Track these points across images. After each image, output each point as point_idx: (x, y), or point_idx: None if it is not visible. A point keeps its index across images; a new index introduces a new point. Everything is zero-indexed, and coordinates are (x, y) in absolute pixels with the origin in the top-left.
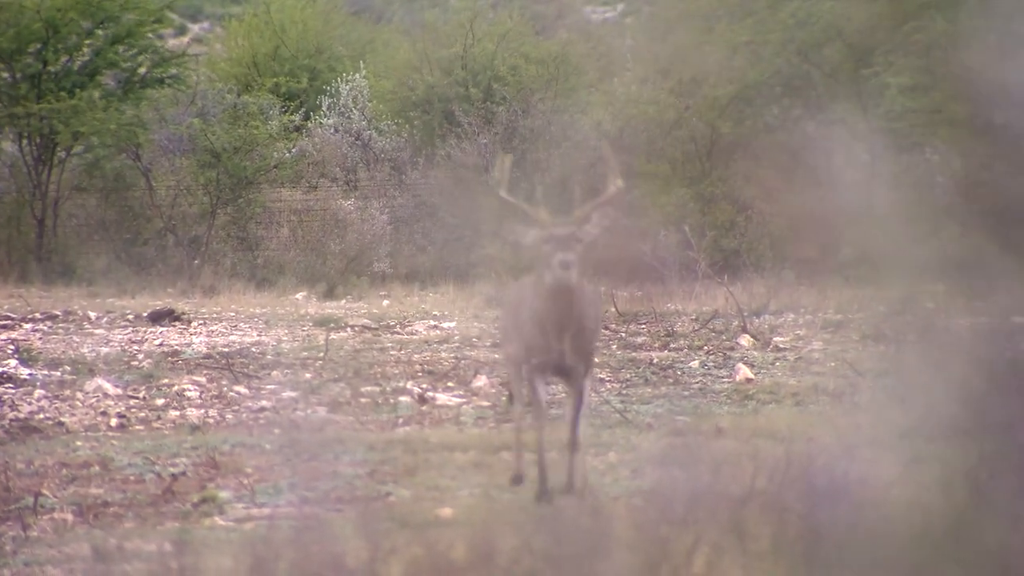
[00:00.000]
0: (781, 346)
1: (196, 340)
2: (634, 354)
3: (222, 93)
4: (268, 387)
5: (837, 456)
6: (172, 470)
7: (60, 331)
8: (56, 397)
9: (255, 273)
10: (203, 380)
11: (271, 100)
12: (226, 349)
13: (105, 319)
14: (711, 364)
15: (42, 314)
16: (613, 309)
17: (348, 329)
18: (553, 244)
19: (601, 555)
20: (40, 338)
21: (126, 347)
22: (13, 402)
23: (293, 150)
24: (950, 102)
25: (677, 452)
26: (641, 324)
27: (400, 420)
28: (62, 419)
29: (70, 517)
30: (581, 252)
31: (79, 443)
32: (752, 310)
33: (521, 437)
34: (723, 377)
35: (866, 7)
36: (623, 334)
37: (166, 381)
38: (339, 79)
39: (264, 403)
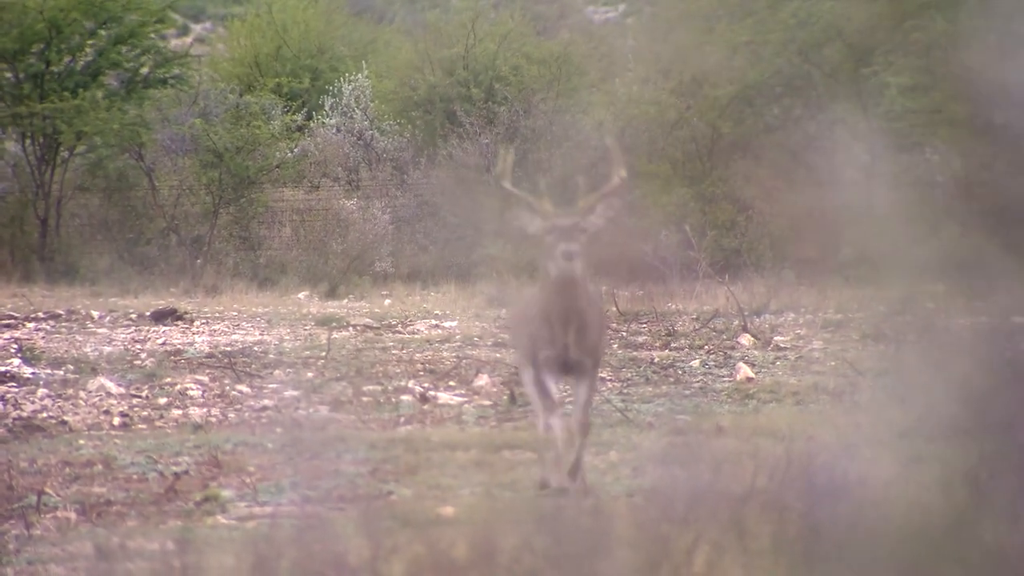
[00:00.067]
0: (781, 345)
1: (199, 339)
2: (635, 353)
3: (224, 93)
4: (270, 386)
5: (837, 455)
6: (175, 469)
7: (63, 330)
8: (59, 396)
9: (257, 272)
10: (206, 379)
11: (273, 100)
12: (228, 348)
13: (108, 318)
14: (712, 363)
15: (45, 313)
16: (614, 308)
17: (350, 328)
18: (557, 234)
19: (602, 554)
20: (43, 337)
21: (129, 346)
22: (16, 401)
23: (295, 150)
24: (950, 102)
25: (678, 451)
26: (642, 323)
27: (402, 419)
28: (65, 418)
29: (73, 516)
30: (585, 243)
31: (82, 442)
32: (753, 309)
33: (543, 443)
34: (724, 376)
35: (866, 7)
36: (624, 333)
37: (169, 380)
38: (342, 79)
39: (266, 402)
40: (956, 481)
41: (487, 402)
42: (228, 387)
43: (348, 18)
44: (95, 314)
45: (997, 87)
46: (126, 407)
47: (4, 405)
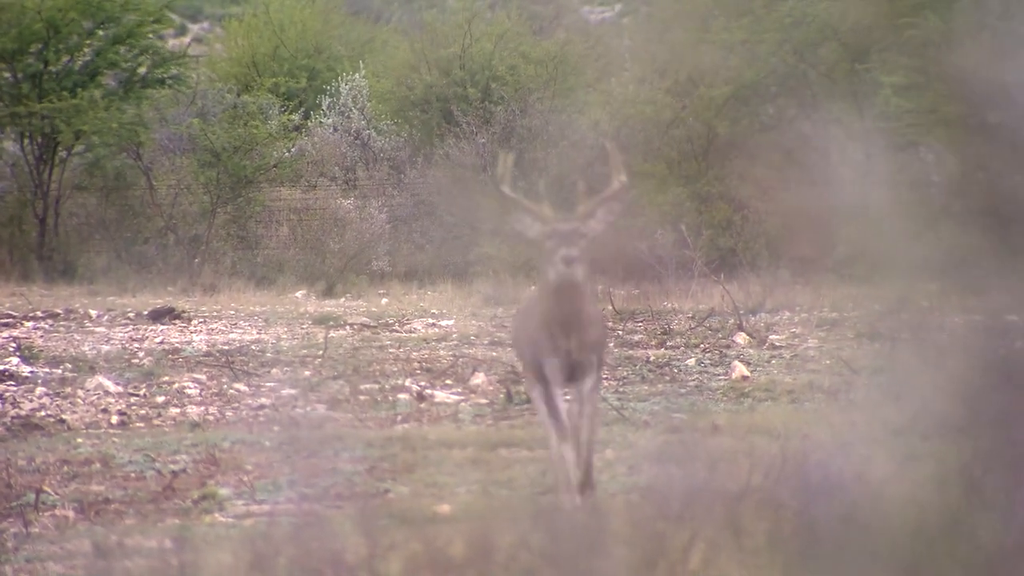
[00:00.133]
0: (777, 344)
1: (196, 338)
2: (631, 352)
3: (222, 93)
4: (268, 385)
5: (832, 453)
6: (172, 467)
7: (61, 329)
8: (57, 395)
9: (255, 271)
10: (203, 378)
11: (270, 100)
12: (226, 347)
13: (106, 317)
14: (707, 362)
15: (43, 312)
16: (610, 307)
17: (347, 327)
18: (556, 240)
19: (598, 551)
20: (41, 336)
21: (127, 345)
22: (15, 399)
23: (292, 149)
24: (944, 101)
25: (674, 449)
26: (638, 322)
27: (399, 417)
28: (63, 416)
29: (71, 514)
30: (585, 248)
31: (80, 440)
32: (748, 308)
33: (554, 456)
34: (719, 375)
35: (861, 6)
36: (620, 332)
37: (166, 379)
38: (339, 79)
39: (264, 400)
40: (951, 479)
41: (483, 400)
42: (226, 386)
43: (345, 18)
44: (93, 313)
45: (992, 86)
46: (124, 406)
47: (3, 403)
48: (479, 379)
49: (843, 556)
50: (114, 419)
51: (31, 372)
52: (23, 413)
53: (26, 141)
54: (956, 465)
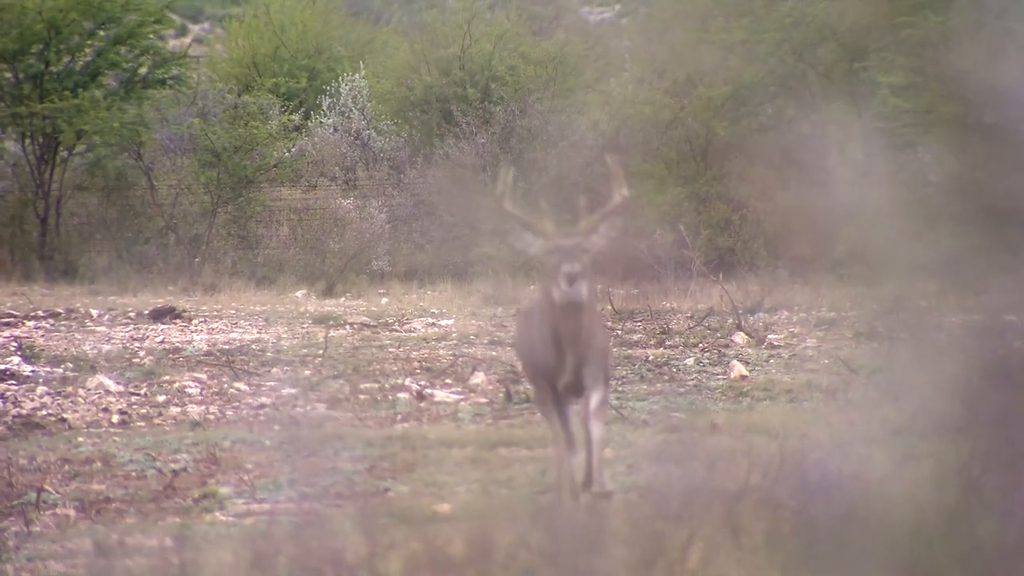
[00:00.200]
0: (775, 343)
1: (197, 337)
2: (630, 351)
3: (222, 93)
4: (268, 384)
5: (831, 452)
6: (173, 466)
7: (62, 328)
8: (58, 394)
9: (255, 271)
10: (204, 377)
11: (271, 100)
12: (226, 346)
13: (107, 317)
14: (706, 361)
15: (45, 312)
16: (609, 307)
17: (347, 327)
18: (559, 255)
19: (597, 550)
20: (43, 335)
21: (127, 344)
22: (16, 399)
23: (293, 149)
24: (942, 101)
25: (672, 448)
26: (637, 322)
27: (399, 416)
28: (64, 415)
29: (72, 513)
30: (588, 263)
31: (81, 439)
32: (747, 308)
33: (561, 469)
34: (718, 374)
35: (860, 7)
36: (619, 332)
37: (167, 378)
38: (339, 79)
39: (264, 400)
40: (949, 478)
41: (483, 399)
42: (226, 385)
43: (345, 19)
44: (94, 312)
45: (989, 86)
46: (125, 405)
47: (4, 403)
48: (479, 378)
49: (842, 555)
50: (115, 418)
51: (32, 371)
52: (24, 412)
53: (27, 141)
54: (954, 465)
